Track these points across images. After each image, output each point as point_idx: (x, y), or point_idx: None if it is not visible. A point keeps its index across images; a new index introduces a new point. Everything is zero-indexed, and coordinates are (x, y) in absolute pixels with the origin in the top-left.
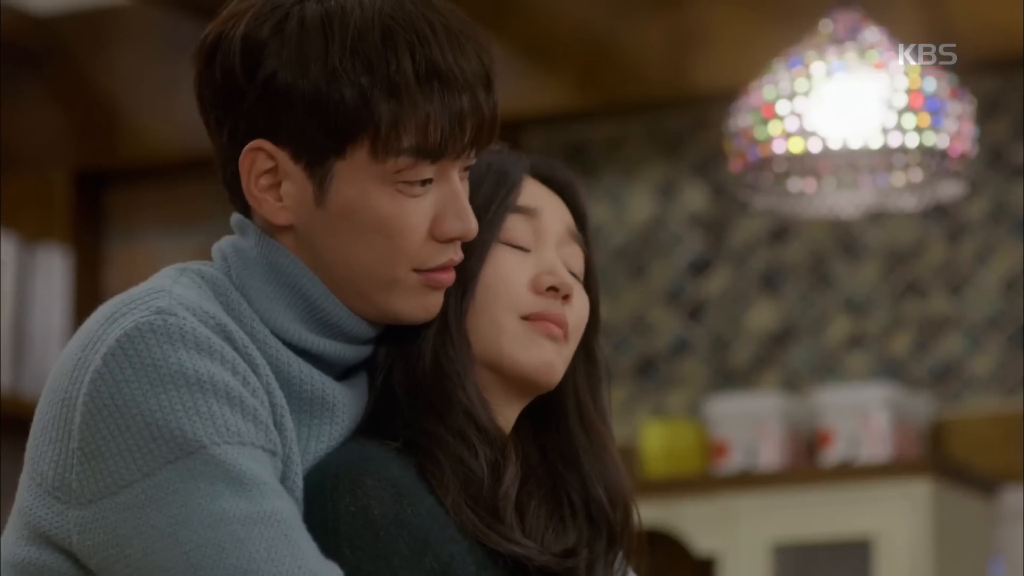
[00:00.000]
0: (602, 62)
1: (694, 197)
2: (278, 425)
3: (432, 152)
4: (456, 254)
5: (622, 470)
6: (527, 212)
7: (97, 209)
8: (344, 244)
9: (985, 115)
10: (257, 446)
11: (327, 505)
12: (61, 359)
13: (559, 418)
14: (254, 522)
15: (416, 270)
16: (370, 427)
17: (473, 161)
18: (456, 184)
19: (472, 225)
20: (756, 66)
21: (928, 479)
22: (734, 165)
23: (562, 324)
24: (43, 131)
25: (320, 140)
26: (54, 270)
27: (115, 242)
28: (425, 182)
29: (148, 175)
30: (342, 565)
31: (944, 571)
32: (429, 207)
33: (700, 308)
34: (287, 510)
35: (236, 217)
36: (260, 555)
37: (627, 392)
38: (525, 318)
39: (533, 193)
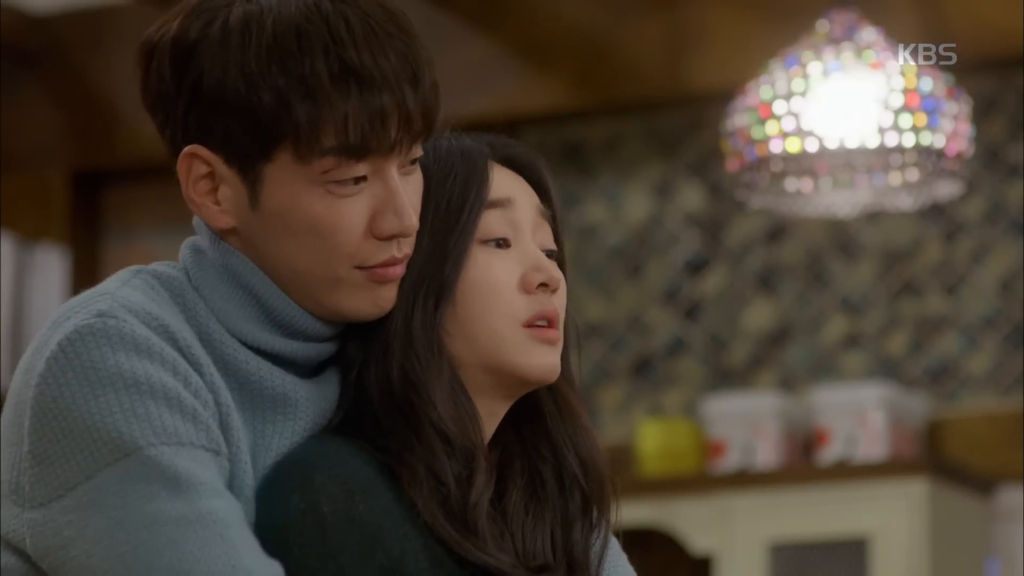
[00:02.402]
0: (599, 62)
1: (691, 197)
2: (223, 424)
3: (355, 151)
4: (399, 251)
5: (593, 435)
6: (502, 204)
7: (95, 209)
8: (283, 246)
9: (981, 115)
10: (197, 446)
11: (278, 502)
12: (20, 364)
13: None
14: (189, 522)
15: (359, 267)
16: (344, 424)
17: (418, 155)
18: (393, 181)
19: (410, 222)
20: (753, 66)
21: (924, 478)
22: (731, 165)
23: (555, 320)
24: (41, 131)
25: (247, 144)
26: (51, 270)
27: (112, 242)
28: (358, 180)
29: (146, 175)
30: (289, 563)
31: (940, 570)
32: (365, 205)
33: (697, 308)
34: (224, 509)
35: (196, 218)
36: (193, 555)
37: (624, 392)
38: (525, 326)
39: (502, 182)
